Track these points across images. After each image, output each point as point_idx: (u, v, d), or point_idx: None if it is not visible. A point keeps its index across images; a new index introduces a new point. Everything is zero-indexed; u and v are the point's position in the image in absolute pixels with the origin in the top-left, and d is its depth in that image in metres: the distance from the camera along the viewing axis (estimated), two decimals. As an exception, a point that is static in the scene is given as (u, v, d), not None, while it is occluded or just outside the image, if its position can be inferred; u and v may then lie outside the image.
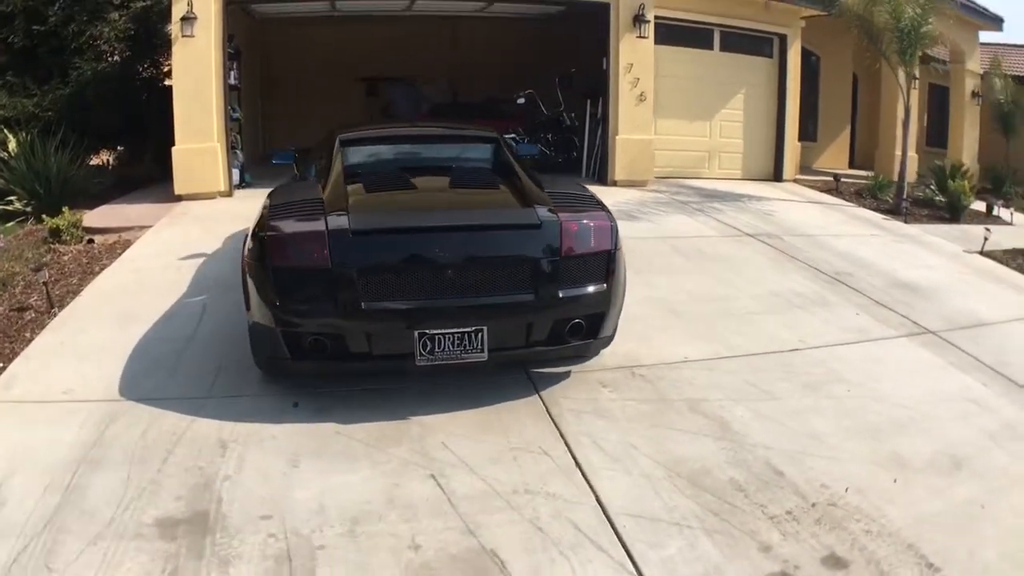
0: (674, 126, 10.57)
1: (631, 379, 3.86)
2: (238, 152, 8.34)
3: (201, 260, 5.69)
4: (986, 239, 7.24)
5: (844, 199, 10.53)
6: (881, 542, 2.70)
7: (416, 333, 3.19)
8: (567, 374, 3.87)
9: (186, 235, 6.43)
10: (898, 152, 12.17)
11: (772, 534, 2.68)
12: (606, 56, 9.50)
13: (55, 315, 4.61)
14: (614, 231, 3.56)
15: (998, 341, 4.79)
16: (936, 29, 9.20)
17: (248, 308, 3.51)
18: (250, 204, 7.93)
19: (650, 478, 2.95)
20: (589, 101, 10.50)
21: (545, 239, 3.39)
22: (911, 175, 12.05)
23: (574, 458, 3.06)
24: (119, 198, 8.09)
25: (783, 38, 10.73)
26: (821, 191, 11.03)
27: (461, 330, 3.21)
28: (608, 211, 3.71)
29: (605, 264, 3.51)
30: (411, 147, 4.89)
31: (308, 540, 2.55)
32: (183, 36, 7.25)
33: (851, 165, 14.27)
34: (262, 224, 3.51)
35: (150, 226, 6.64)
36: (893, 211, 9.62)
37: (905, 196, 9.69)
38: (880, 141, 12.68)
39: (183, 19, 7.22)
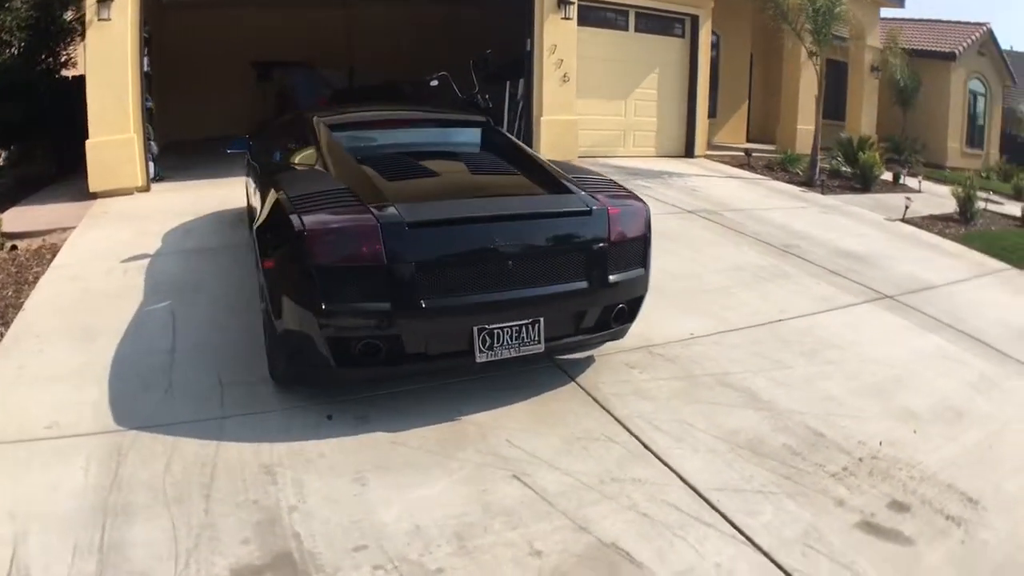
0: (591, 106, 10.98)
1: (652, 359, 4.12)
2: (152, 144, 7.85)
3: (146, 262, 5.43)
4: (907, 207, 8.16)
5: (757, 173, 11.38)
6: (926, 485, 3.12)
7: (475, 329, 3.19)
8: (591, 359, 4.05)
9: (117, 236, 6.08)
10: (801, 126, 13.33)
11: (839, 489, 3.02)
12: (530, 38, 9.73)
13: (1, 336, 4.24)
14: (648, 214, 3.75)
15: (948, 302, 5.49)
16: (848, 9, 10.12)
17: (275, 314, 3.35)
18: (174, 199, 7.74)
19: (716, 452, 3.21)
20: (508, 83, 10.69)
21: (595, 225, 3.47)
22: (809, 147, 13.20)
23: (640, 441, 3.24)
24: (26, 199, 7.57)
25: (695, 18, 11.40)
26: (734, 166, 11.86)
27: (519, 323, 3.25)
28: (636, 195, 3.91)
29: (643, 248, 3.70)
30: (404, 132, 4.82)
31: (421, 565, 2.44)
32: (99, 20, 6.74)
33: (747, 139, 15.40)
34: (289, 218, 3.23)
35: (72, 227, 6.23)
36: (807, 183, 10.53)
37: (817, 169, 10.64)
38: (781, 116, 13.77)
39: (99, 1, 6.72)
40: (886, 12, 15.51)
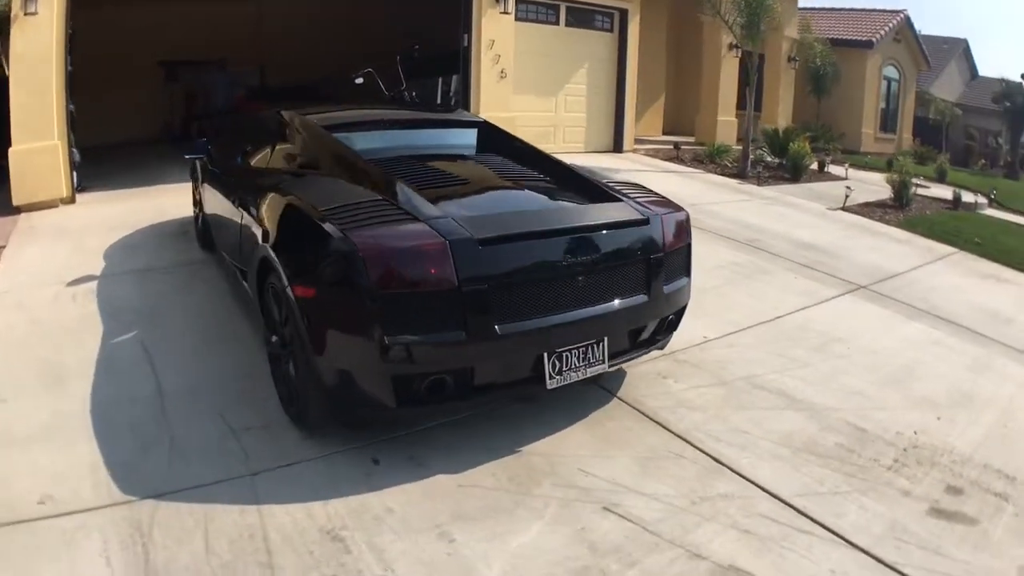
0: (523, 102, 11.14)
1: (680, 366, 4.26)
2: (75, 151, 7.30)
3: (94, 285, 5.08)
4: (847, 196, 8.77)
5: (687, 166, 11.89)
6: (968, 468, 3.42)
7: (546, 353, 3.11)
8: (622, 371, 4.15)
9: (54, 255, 5.69)
10: (722, 118, 14.00)
11: (900, 481, 3.26)
12: (467, 33, 9.73)
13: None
14: (689, 220, 3.81)
15: (916, 289, 5.99)
16: (776, 1, 10.70)
17: (316, 350, 2.99)
18: (105, 211, 7.31)
19: (780, 458, 3.37)
20: (441, 79, 10.66)
21: (651, 235, 3.44)
22: (732, 139, 13.93)
23: (709, 456, 3.34)
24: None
25: (624, 12, 11.75)
26: (664, 159, 12.34)
27: (587, 342, 3.20)
28: (672, 201, 3.95)
29: (688, 256, 3.78)
30: (406, 134, 4.63)
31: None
32: (25, 14, 6.17)
33: (663, 132, 16.03)
34: (332, 236, 2.92)
35: (2, 247, 5.75)
36: (740, 175, 11.11)
37: (748, 161, 11.24)
38: (701, 108, 14.41)
39: (25, -8, 6.15)
40: (804, 1, 16.52)
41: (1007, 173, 20.84)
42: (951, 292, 5.97)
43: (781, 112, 14.97)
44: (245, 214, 4.02)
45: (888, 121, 18.43)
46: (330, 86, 10.92)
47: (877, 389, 4.17)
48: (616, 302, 3.32)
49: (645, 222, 3.47)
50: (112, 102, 10.34)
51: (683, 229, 3.72)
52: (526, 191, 3.89)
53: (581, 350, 3.22)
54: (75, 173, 7.20)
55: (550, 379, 3.15)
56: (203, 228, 5.78)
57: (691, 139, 14.44)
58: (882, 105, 17.93)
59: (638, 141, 13.61)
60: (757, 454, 3.39)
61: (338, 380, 3.02)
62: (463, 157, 4.44)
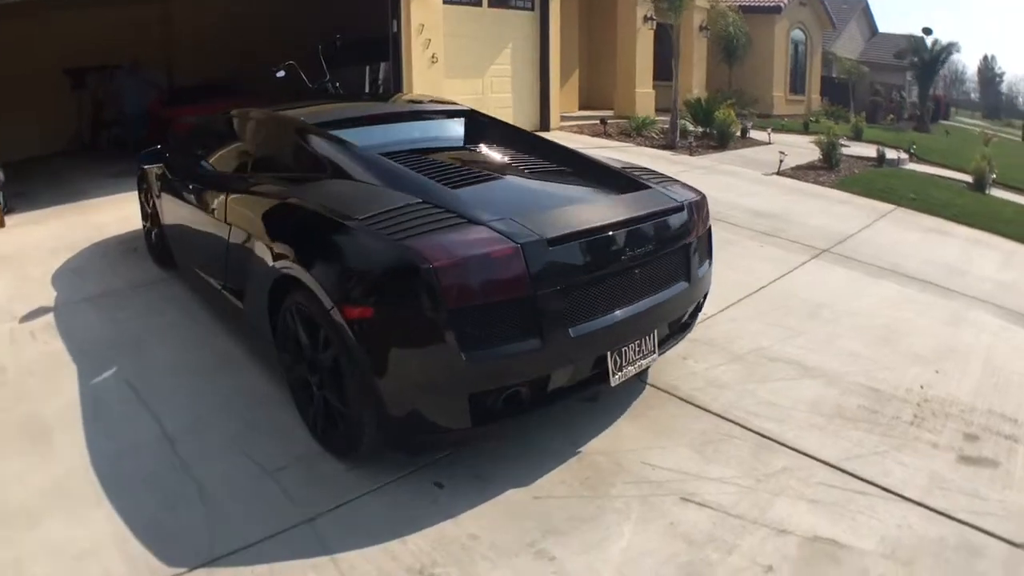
0: (451, 85, 11.12)
1: (694, 346, 4.42)
2: (-1, 170, 6.80)
3: (50, 318, 4.70)
4: (781, 162, 9.26)
5: (616, 140, 12.21)
6: (976, 415, 3.79)
7: (609, 350, 3.09)
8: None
9: None
10: (640, 90, 14.39)
11: (925, 435, 3.58)
12: (396, 18, 9.60)
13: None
14: (707, 203, 3.87)
15: (872, 248, 6.45)
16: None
17: (377, 372, 2.77)
18: (39, 233, 6.84)
19: (817, 426, 3.61)
20: (368, 68, 10.49)
21: (686, 221, 3.47)
22: (651, 111, 14.37)
23: (755, 432, 3.53)
24: None
25: (544, -9, 11.85)
26: (592, 135, 12.59)
27: (643, 335, 3.25)
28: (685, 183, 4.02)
29: (710, 238, 3.89)
30: (401, 128, 4.46)
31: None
32: None
33: (579, 107, 16.35)
34: (390, 249, 2.75)
35: None
36: (670, 146, 11.51)
37: (678, 132, 11.66)
38: (618, 81, 14.76)
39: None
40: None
41: (917, 126, 22.23)
42: (904, 248, 6.48)
43: (696, 81, 15.53)
44: (237, 228, 3.81)
45: (797, 83, 19.48)
46: (249, 81, 10.57)
47: (873, 350, 4.51)
48: (664, 291, 3.37)
49: (681, 208, 3.50)
50: (19, 115, 9.67)
51: (706, 212, 3.81)
52: (557, 183, 3.79)
53: (637, 343, 3.27)
54: (2, 193, 6.68)
55: (613, 376, 3.16)
56: (159, 243, 5.46)
57: (610, 113, 14.79)
58: (791, 68, 18.91)
59: (561, 118, 13.83)
60: (797, 425, 3.64)
61: (405, 404, 2.84)
62: (468, 149, 4.32)
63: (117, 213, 6.70)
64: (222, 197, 4.05)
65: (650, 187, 3.68)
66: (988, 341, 4.74)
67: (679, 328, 3.78)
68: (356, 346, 2.81)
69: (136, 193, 6.07)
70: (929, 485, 3.20)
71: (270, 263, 3.33)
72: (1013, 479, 3.31)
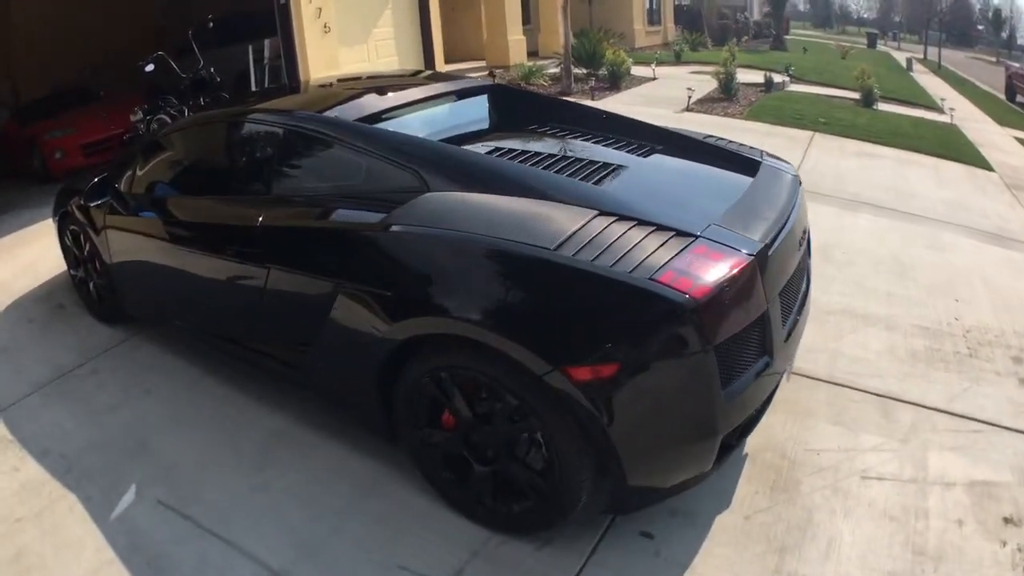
0: (344, 54, 10.73)
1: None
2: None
3: (3, 429, 3.67)
4: (690, 98, 9.74)
5: (510, 91, 12.25)
6: (1009, 338, 4.37)
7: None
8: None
9: None
10: (512, 38, 14.38)
11: (984, 364, 4.06)
12: (283, -10, 8.99)
13: None
14: None
15: (828, 180, 7.06)
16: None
17: (622, 436, 2.39)
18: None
19: (908, 374, 3.96)
20: (251, 46, 9.84)
21: (800, 194, 3.25)
22: (523, 58, 14.49)
23: (869, 392, 3.83)
24: None
25: (418, -59, 11.41)
26: (482, 89, 12.55)
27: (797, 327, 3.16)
28: None
29: None
30: (442, 113, 3.83)
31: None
32: None
33: (446, 62, 16.09)
34: (621, 285, 2.31)
35: None
36: (564, 92, 11.76)
37: (571, 77, 11.88)
38: (487, 30, 14.65)
39: None
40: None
41: (774, 46, 23.44)
42: (851, 176, 7.15)
43: (559, 23, 15.72)
44: (286, 271, 3.13)
45: (653, 15, 20.22)
46: (113, 82, 9.56)
47: (900, 287, 4.97)
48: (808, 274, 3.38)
49: (799, 182, 3.31)
50: None
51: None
52: (676, 168, 3.43)
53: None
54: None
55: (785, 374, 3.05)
56: (104, 294, 4.54)
57: (482, 63, 14.71)
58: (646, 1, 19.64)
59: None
60: (893, 377, 3.99)
61: (649, 462, 2.49)
62: (541, 132, 3.72)
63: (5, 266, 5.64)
64: (244, 231, 3.34)
65: (759, 160, 3.38)
66: (973, 263, 5.43)
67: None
68: (588, 410, 2.36)
69: (55, 237, 5.10)
70: (1015, 411, 3.67)
71: (386, 320, 2.73)
72: (1072, 391, 3.87)
